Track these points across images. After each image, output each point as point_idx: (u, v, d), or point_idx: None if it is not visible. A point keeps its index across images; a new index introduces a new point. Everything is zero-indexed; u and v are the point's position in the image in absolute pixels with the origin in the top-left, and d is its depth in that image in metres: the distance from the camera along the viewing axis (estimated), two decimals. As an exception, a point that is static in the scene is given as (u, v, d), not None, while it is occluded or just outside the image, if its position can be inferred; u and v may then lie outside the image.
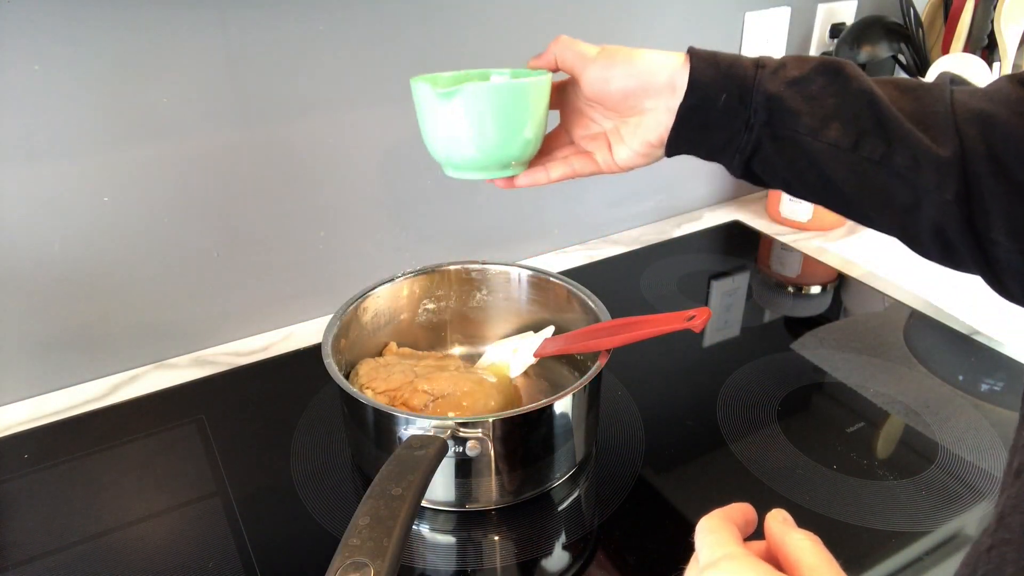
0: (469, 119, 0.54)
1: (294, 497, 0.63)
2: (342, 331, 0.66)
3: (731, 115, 0.51)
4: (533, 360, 0.71)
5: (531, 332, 0.75)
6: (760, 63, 0.52)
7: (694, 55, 0.52)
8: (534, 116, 0.56)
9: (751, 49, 1.04)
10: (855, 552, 0.57)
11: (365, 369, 0.68)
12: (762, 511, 0.61)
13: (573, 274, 0.88)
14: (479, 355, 0.76)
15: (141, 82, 0.69)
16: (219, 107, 0.74)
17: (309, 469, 0.66)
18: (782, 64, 0.51)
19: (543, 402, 0.57)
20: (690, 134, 0.54)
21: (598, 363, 0.61)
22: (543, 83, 0.56)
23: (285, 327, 0.88)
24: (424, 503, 0.60)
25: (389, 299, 0.73)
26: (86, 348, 0.77)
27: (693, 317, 0.63)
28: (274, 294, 0.85)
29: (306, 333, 0.87)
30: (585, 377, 0.59)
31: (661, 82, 0.53)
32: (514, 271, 0.75)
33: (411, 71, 0.81)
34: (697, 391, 0.76)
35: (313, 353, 0.82)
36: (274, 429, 0.71)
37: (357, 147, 0.83)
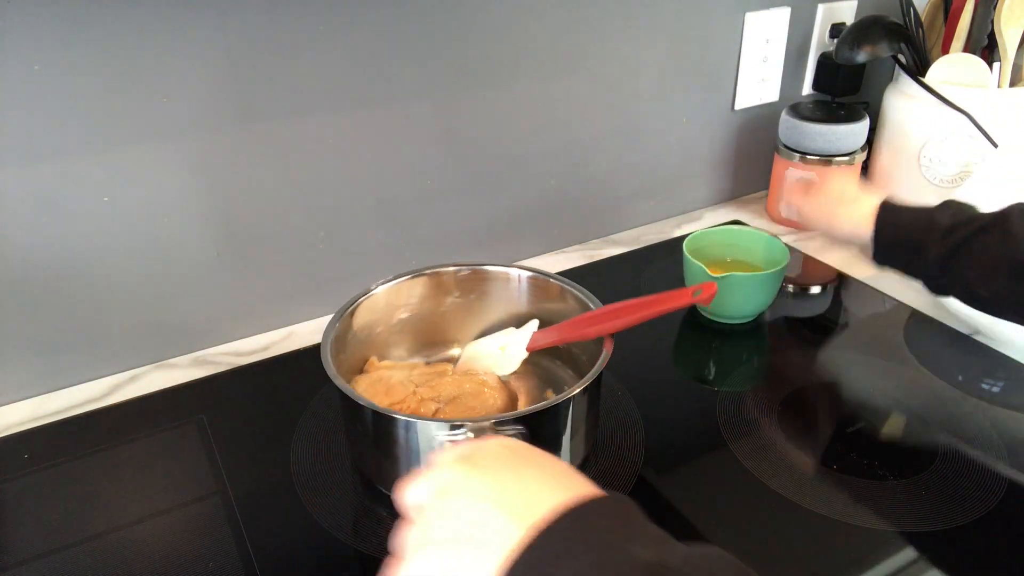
0: (727, 295, 0.80)
1: (294, 497, 0.63)
2: (340, 336, 0.66)
3: (915, 264, 0.66)
4: (525, 355, 0.70)
5: (512, 328, 0.74)
6: (934, 221, 0.64)
7: (880, 220, 0.67)
8: (771, 292, 0.83)
9: (751, 49, 1.04)
10: (855, 552, 0.57)
11: (363, 387, 0.67)
12: (763, 511, 0.61)
13: (573, 274, 0.88)
14: None
15: (141, 82, 0.69)
16: (219, 107, 0.74)
17: (309, 469, 0.66)
18: (952, 227, 0.63)
19: (576, 388, 0.57)
20: (887, 263, 0.68)
21: (604, 352, 0.60)
22: (779, 273, 0.81)
23: (285, 327, 0.88)
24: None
25: (387, 299, 0.72)
26: (86, 348, 0.77)
27: (700, 292, 0.62)
28: (274, 294, 0.85)
29: (306, 333, 0.87)
30: (601, 360, 0.59)
31: (861, 237, 0.69)
32: (514, 271, 0.75)
33: (411, 71, 0.82)
34: (697, 391, 0.76)
35: (313, 353, 0.82)
36: (274, 429, 0.71)
37: (357, 147, 0.82)
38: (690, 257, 0.83)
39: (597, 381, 0.60)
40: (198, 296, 0.81)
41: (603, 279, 0.96)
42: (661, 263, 0.98)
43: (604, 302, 0.69)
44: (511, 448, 0.41)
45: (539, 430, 0.58)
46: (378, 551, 0.58)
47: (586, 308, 0.69)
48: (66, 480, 0.66)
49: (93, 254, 0.74)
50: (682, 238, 0.86)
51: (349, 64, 0.78)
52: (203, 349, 0.84)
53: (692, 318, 0.87)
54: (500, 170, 0.93)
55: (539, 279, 0.74)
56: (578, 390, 0.58)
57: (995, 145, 0.92)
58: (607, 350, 0.61)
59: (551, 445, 0.60)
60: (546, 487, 0.37)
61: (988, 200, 0.96)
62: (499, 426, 0.54)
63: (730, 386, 0.77)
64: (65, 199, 0.70)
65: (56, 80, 0.66)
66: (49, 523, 0.61)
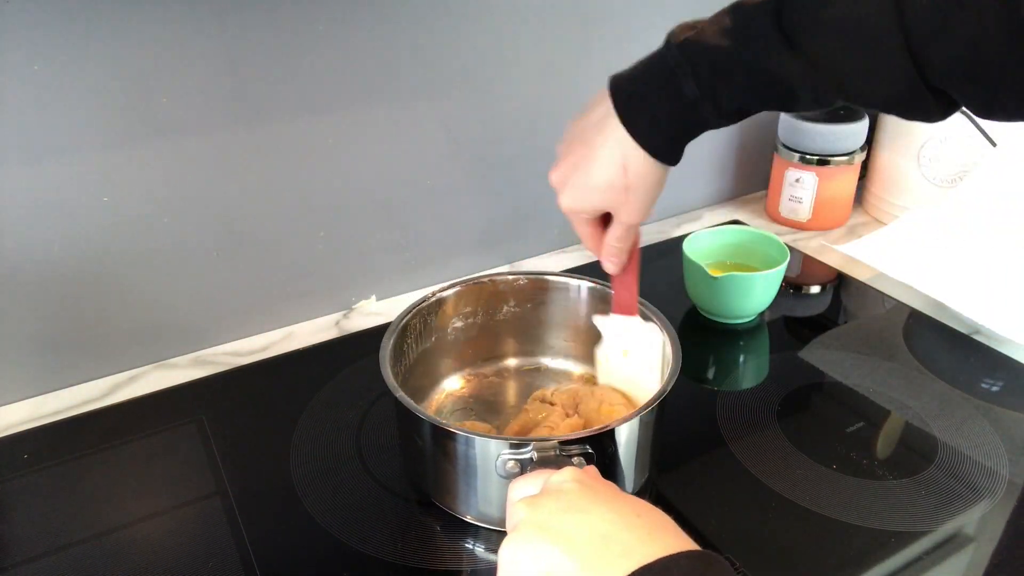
0: (727, 295, 0.82)
1: (294, 497, 0.63)
2: (396, 346, 0.64)
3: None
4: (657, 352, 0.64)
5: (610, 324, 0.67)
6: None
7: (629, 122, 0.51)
8: (771, 292, 0.83)
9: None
10: (855, 552, 0.57)
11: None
12: (762, 511, 0.61)
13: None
14: (536, 366, 0.77)
15: (141, 82, 0.69)
16: (219, 107, 0.74)
17: (309, 469, 0.66)
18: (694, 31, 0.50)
19: (645, 408, 0.56)
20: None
21: (672, 367, 0.60)
22: (779, 273, 0.81)
23: (285, 327, 0.88)
24: (477, 522, 0.60)
25: (443, 308, 0.71)
26: (86, 348, 0.77)
27: None
28: (274, 294, 0.85)
29: (306, 333, 0.87)
30: (670, 375, 0.59)
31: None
32: (573, 282, 0.73)
33: (411, 70, 0.82)
34: (697, 391, 0.76)
35: (314, 353, 0.82)
36: (274, 429, 0.71)
37: (357, 147, 0.82)
38: (690, 257, 0.83)
39: (664, 399, 0.58)
40: (198, 296, 0.81)
41: (603, 279, 0.95)
42: (661, 263, 0.98)
43: (603, 302, 0.69)
44: (588, 488, 0.41)
45: (606, 451, 0.56)
46: (377, 551, 0.58)
47: (647, 319, 0.66)
48: (66, 480, 0.66)
49: (93, 254, 0.74)
50: (682, 238, 0.86)
51: (349, 64, 0.78)
52: (203, 349, 0.84)
53: (692, 318, 0.87)
54: (500, 170, 0.93)
55: (598, 290, 0.72)
56: (653, 406, 0.56)
57: (993, 144, 0.92)
58: (674, 364, 0.60)
59: (618, 466, 0.59)
60: (632, 540, 0.36)
61: (987, 199, 0.95)
62: (564, 446, 0.53)
63: (730, 386, 0.77)
64: (65, 199, 0.70)
65: (55, 80, 0.66)
66: (49, 523, 0.61)
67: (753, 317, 0.86)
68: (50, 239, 0.71)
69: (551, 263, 0.99)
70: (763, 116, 1.13)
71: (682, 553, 0.34)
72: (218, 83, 0.72)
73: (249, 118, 0.75)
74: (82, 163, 0.70)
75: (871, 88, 0.46)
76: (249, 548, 0.59)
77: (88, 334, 0.77)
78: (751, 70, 0.48)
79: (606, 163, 0.52)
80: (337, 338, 0.85)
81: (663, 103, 0.50)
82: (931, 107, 0.45)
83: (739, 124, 1.15)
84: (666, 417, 0.64)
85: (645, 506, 0.39)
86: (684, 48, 0.49)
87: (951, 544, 0.58)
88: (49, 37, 0.64)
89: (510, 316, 0.75)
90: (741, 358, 0.83)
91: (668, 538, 0.37)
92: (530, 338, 0.76)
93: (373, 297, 0.91)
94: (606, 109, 0.52)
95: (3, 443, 0.70)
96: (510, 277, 0.73)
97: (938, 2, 0.41)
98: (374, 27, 0.78)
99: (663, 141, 0.52)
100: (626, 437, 0.57)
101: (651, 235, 1.06)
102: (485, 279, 0.73)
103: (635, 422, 0.56)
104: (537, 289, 0.74)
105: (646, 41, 0.99)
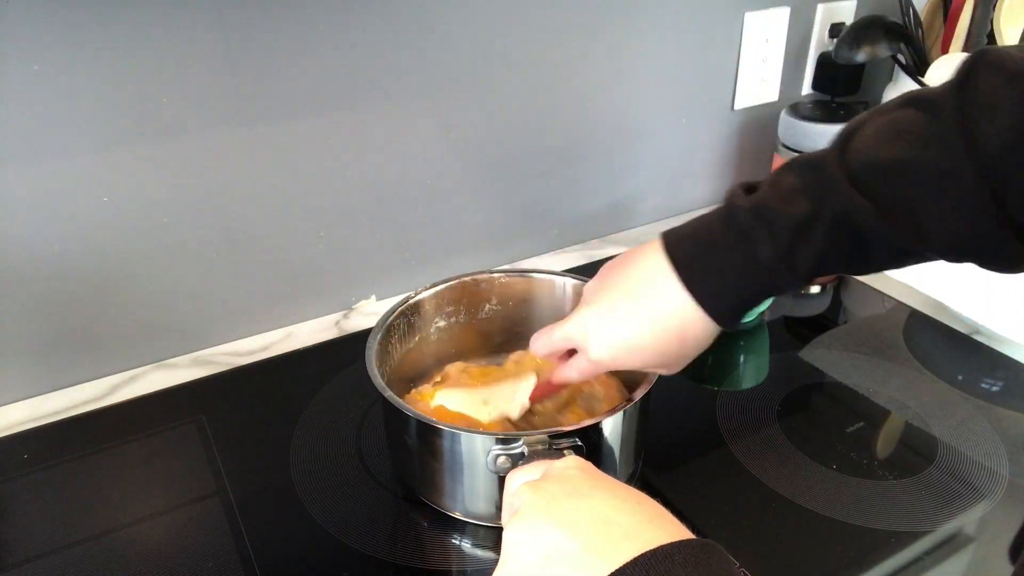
0: None
1: (294, 497, 0.63)
2: (380, 347, 0.64)
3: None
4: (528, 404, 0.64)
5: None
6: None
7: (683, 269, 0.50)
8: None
9: (750, 49, 1.04)
10: (855, 552, 0.57)
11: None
12: (762, 511, 0.61)
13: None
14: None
15: (140, 82, 0.69)
16: (219, 107, 0.74)
17: (309, 469, 0.66)
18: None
19: (636, 397, 0.57)
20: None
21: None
22: None
23: (285, 327, 0.88)
24: (465, 519, 0.60)
25: (425, 308, 0.71)
26: (86, 348, 0.77)
27: None
28: (274, 294, 0.85)
29: (306, 333, 0.87)
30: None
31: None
32: (557, 279, 0.73)
33: (410, 70, 0.82)
34: (697, 391, 0.76)
35: (313, 353, 0.82)
36: (274, 429, 0.71)
37: (357, 147, 0.82)
38: None
39: (648, 393, 0.59)
40: (198, 296, 0.81)
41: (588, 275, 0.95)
42: (661, 263, 0.98)
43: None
44: (590, 475, 0.42)
45: (595, 444, 0.56)
46: (376, 551, 0.58)
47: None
48: (66, 480, 0.66)
49: (93, 254, 0.74)
50: (682, 238, 0.86)
51: (349, 64, 0.78)
52: (203, 349, 0.84)
53: (692, 318, 0.87)
54: (500, 170, 0.93)
55: (581, 286, 0.71)
56: (637, 400, 0.57)
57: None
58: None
59: (606, 458, 0.59)
60: (634, 525, 0.37)
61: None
62: (554, 440, 0.53)
63: (730, 386, 0.77)
64: (65, 199, 0.70)
65: (55, 80, 0.66)
66: (49, 523, 0.61)
67: (753, 317, 0.86)
68: (50, 239, 0.71)
69: (551, 263, 0.99)
70: (762, 113, 1.13)
71: (684, 541, 0.35)
72: (218, 83, 0.72)
73: (249, 118, 0.75)
74: (82, 163, 0.70)
75: (948, 229, 0.45)
76: (249, 548, 0.59)
77: (88, 334, 0.77)
78: (830, 228, 0.46)
79: (661, 328, 0.51)
80: (337, 338, 0.85)
81: (734, 269, 0.49)
82: (1015, 250, 0.44)
83: (739, 124, 1.16)
84: (665, 416, 0.64)
85: (645, 496, 0.40)
86: (757, 212, 0.48)
87: (951, 544, 0.58)
88: (49, 37, 0.64)
89: (493, 314, 0.75)
90: (741, 358, 0.83)
91: (669, 525, 0.37)
92: (514, 336, 0.76)
93: (373, 297, 0.91)
94: (659, 268, 0.51)
95: (3, 443, 0.70)
96: (491, 275, 0.73)
97: (1011, 144, 0.41)
98: (374, 27, 0.78)
99: (729, 308, 0.50)
100: (611, 430, 0.57)
101: (651, 235, 1.06)
102: (467, 278, 0.72)
103: (619, 416, 0.57)
104: (519, 287, 0.74)
105: (643, 42, 1.00)
